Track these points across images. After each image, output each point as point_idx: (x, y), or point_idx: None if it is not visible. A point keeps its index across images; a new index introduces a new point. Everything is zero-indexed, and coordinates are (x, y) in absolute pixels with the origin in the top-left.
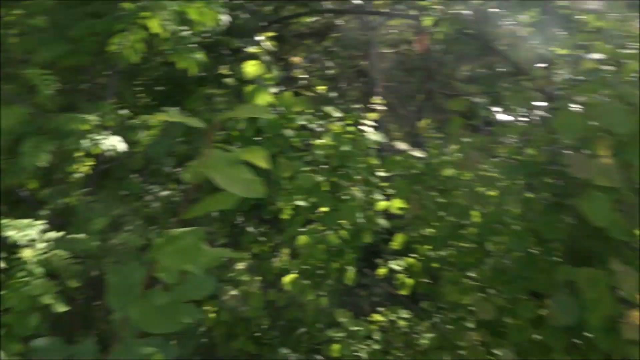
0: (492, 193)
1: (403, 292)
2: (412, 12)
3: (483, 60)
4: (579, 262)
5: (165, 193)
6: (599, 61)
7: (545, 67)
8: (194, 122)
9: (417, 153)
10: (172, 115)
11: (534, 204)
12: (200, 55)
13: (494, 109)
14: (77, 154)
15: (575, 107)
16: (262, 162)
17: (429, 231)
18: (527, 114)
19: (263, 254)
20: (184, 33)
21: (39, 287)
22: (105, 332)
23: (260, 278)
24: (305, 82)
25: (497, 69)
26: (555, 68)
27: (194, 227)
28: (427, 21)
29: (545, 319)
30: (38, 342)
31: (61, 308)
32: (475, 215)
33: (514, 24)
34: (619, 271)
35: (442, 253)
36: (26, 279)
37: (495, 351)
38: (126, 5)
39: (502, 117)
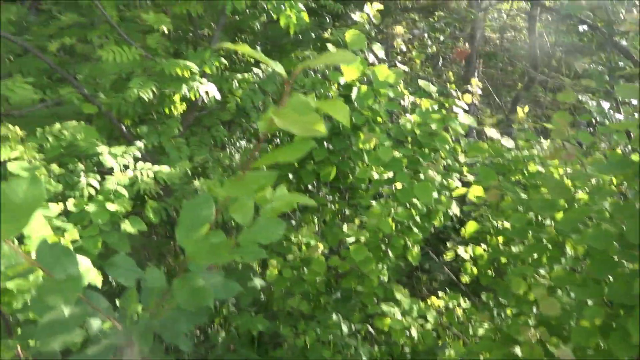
0: (582, 196)
1: (464, 280)
2: None
3: (598, 55)
4: None
5: (247, 146)
6: None
7: None
8: (275, 66)
9: (507, 142)
10: (252, 52)
11: (625, 207)
12: (302, 14)
13: (603, 106)
14: (174, 97)
15: None
16: (342, 117)
17: (502, 224)
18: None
19: (331, 221)
20: None
21: (121, 204)
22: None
23: (325, 244)
24: (404, 57)
25: (613, 65)
26: None
27: (267, 172)
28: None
29: (614, 328)
30: (117, 258)
31: (137, 227)
32: (558, 214)
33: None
34: None
35: (514, 248)
36: (112, 196)
37: (554, 351)
38: None
39: (610, 116)
